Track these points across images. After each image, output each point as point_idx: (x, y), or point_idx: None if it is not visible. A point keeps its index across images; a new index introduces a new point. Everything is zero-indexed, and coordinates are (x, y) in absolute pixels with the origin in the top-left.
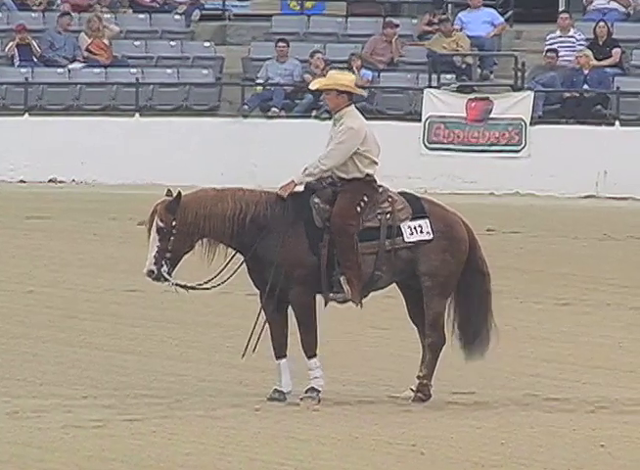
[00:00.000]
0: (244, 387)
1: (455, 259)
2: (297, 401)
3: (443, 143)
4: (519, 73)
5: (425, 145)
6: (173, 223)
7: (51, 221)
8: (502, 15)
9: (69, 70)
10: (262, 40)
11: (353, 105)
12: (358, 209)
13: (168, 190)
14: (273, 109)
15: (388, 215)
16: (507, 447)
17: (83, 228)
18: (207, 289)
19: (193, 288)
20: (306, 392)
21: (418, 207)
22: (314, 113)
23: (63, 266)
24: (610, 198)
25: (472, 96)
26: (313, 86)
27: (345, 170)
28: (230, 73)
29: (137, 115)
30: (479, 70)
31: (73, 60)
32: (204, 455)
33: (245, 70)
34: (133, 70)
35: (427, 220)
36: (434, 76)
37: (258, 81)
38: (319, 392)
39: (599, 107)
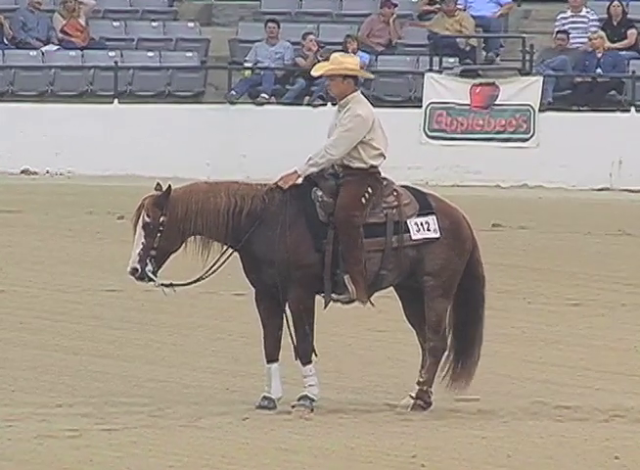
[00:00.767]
0: (230, 394)
1: (460, 259)
2: (289, 410)
3: (446, 131)
4: (527, 56)
5: (426, 133)
6: (161, 219)
7: (23, 215)
8: None
9: (43, 53)
10: (251, 20)
11: (359, 90)
12: (363, 200)
13: (158, 184)
14: (262, 95)
15: (394, 210)
16: (514, 460)
17: (58, 223)
18: (190, 284)
19: (180, 286)
20: (299, 400)
21: (424, 202)
22: (307, 99)
23: (36, 264)
24: (625, 190)
25: (476, 81)
26: (316, 72)
27: (349, 159)
28: (216, 57)
29: (116, 101)
30: (483, 53)
31: (47, 42)
32: (187, 468)
33: (232, 53)
34: (112, 53)
35: (434, 217)
36: (436, 60)
37: (247, 65)
38: (313, 400)
39: (613, 92)
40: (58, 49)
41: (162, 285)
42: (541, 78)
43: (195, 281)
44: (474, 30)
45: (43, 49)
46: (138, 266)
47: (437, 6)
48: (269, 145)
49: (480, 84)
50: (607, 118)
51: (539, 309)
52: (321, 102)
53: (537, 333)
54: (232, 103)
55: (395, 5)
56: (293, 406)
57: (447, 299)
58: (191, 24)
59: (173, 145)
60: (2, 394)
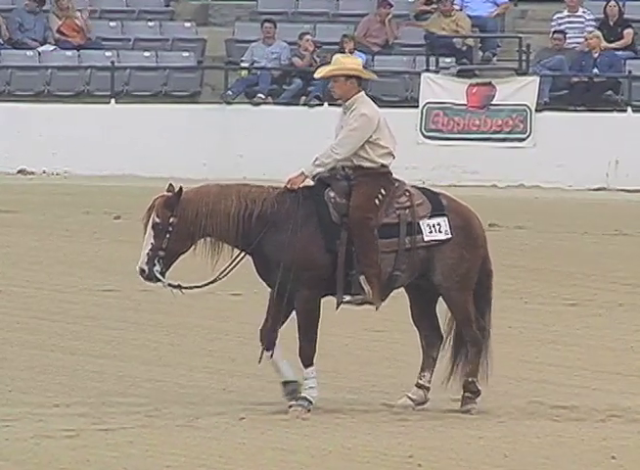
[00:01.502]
0: (227, 394)
1: (472, 256)
2: (286, 410)
3: (442, 131)
4: (523, 56)
5: (422, 133)
6: (171, 220)
7: (20, 216)
8: None
9: (40, 53)
10: (247, 20)
11: (363, 91)
12: (377, 201)
13: (170, 185)
14: (259, 95)
15: (407, 211)
16: (511, 460)
17: (55, 223)
18: (200, 287)
19: (188, 288)
20: (297, 400)
21: (437, 203)
22: (303, 99)
23: (33, 264)
24: (622, 190)
25: (473, 81)
26: (319, 74)
27: (359, 160)
28: (213, 57)
29: (113, 101)
30: (480, 53)
31: (44, 42)
32: (184, 468)
33: (228, 53)
34: (108, 53)
35: (445, 218)
36: (433, 60)
37: (243, 65)
38: (311, 402)
39: (610, 92)
40: (54, 49)
41: (170, 286)
42: (538, 78)
43: (206, 284)
44: (470, 30)
45: (40, 49)
46: (146, 267)
47: (434, 6)
48: (266, 145)
49: (477, 84)
50: (603, 118)
51: (536, 309)
52: (317, 102)
53: (534, 333)
54: (228, 103)
55: (392, 5)
56: (290, 407)
57: (466, 292)
58: (187, 24)
59: (170, 145)
60: None
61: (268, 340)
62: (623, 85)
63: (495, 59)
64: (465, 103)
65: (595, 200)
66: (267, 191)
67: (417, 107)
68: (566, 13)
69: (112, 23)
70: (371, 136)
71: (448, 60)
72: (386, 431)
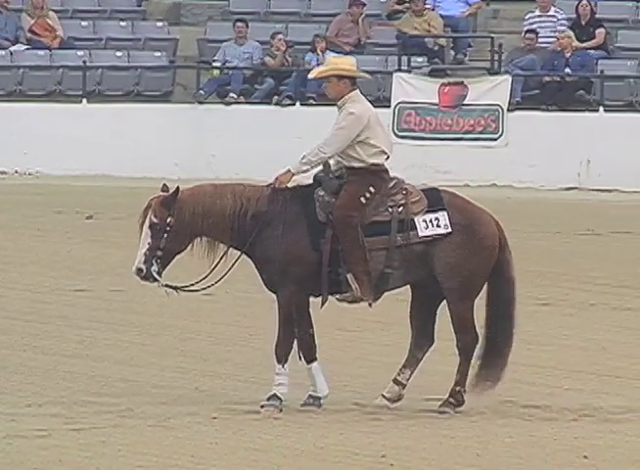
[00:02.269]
0: (199, 394)
1: (478, 257)
2: (258, 410)
3: (414, 131)
4: (495, 56)
5: (394, 133)
6: (168, 220)
7: None
8: None
9: (11, 53)
10: (219, 20)
11: (357, 90)
12: (362, 200)
13: (164, 185)
14: (231, 94)
15: (401, 208)
16: (483, 459)
17: (27, 223)
18: (197, 291)
19: (184, 289)
20: (268, 399)
21: (435, 198)
22: (275, 99)
23: (4, 264)
24: (594, 190)
25: (445, 80)
26: (311, 75)
27: (349, 160)
28: (184, 56)
29: (84, 100)
30: (452, 53)
31: (16, 41)
32: (156, 468)
33: (200, 53)
34: (80, 53)
35: (445, 213)
36: (405, 59)
37: (215, 65)
38: (282, 400)
39: (582, 92)
40: (26, 49)
41: (167, 286)
42: (510, 78)
43: (204, 288)
44: (442, 30)
45: (11, 49)
46: (143, 267)
47: (406, 5)
48: (238, 144)
49: (449, 84)
50: (575, 118)
51: None
52: (289, 102)
53: None
54: (200, 102)
55: (364, 4)
56: (261, 406)
57: (469, 300)
58: (159, 24)
59: (142, 145)
60: None
61: (307, 348)
62: (595, 85)
63: (467, 58)
64: (437, 103)
65: (567, 200)
66: (261, 190)
67: (389, 107)
68: (537, 12)
69: (83, 23)
70: (359, 135)
71: (420, 59)
72: (358, 430)
